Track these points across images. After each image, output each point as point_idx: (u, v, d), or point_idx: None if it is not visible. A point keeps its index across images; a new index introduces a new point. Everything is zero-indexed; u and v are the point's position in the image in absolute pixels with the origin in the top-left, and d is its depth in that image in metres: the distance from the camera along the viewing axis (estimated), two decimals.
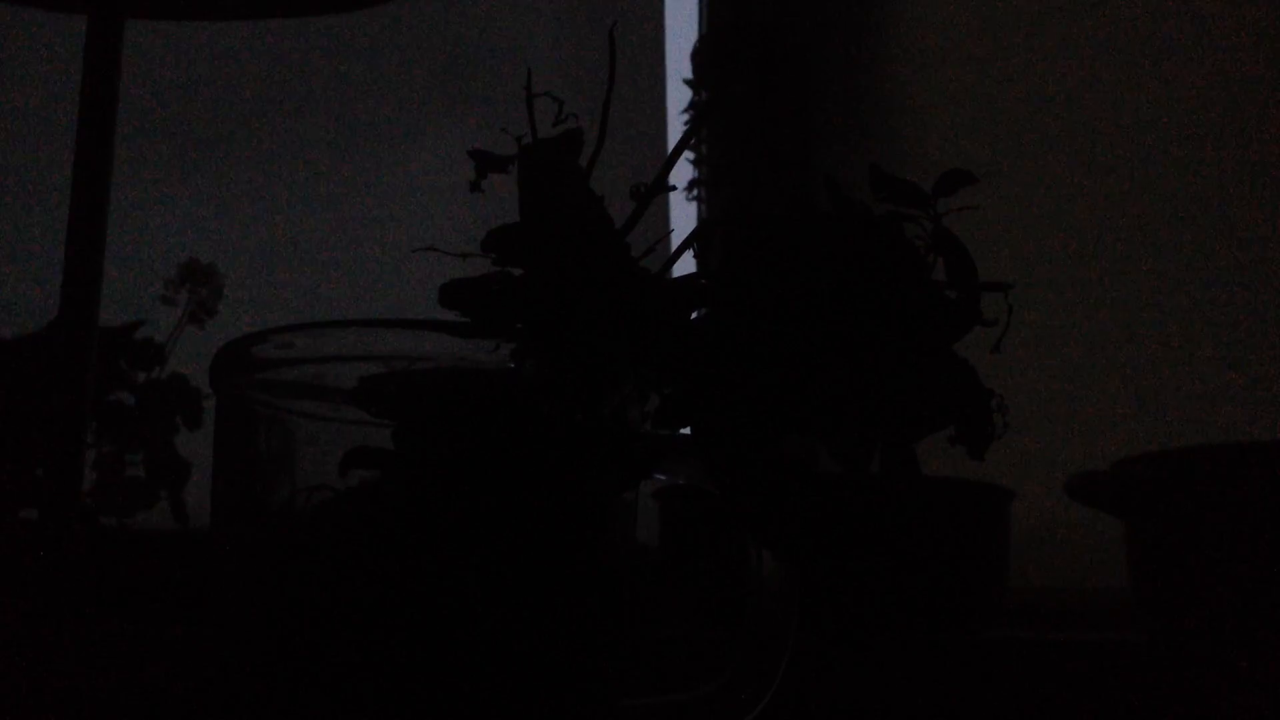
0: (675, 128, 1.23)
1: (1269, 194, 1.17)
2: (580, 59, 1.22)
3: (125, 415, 1.00)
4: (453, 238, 0.47)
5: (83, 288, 0.73)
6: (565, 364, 0.43)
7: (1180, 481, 0.80)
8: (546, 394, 0.44)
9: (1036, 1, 1.22)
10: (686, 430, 0.45)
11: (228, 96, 1.24)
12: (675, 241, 0.47)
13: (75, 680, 0.71)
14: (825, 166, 1.19)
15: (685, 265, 0.48)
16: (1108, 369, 1.15)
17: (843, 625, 0.78)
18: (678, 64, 1.24)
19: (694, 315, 0.45)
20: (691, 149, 1.20)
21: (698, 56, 1.23)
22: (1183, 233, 1.17)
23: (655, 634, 0.80)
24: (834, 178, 0.45)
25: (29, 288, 1.11)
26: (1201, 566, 0.78)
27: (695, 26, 1.25)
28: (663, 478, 0.49)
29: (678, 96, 1.24)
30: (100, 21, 0.76)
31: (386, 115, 1.25)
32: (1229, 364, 1.14)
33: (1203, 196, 1.17)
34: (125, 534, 0.97)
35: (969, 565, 0.82)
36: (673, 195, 1.17)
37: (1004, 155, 1.19)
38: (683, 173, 1.21)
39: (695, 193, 1.21)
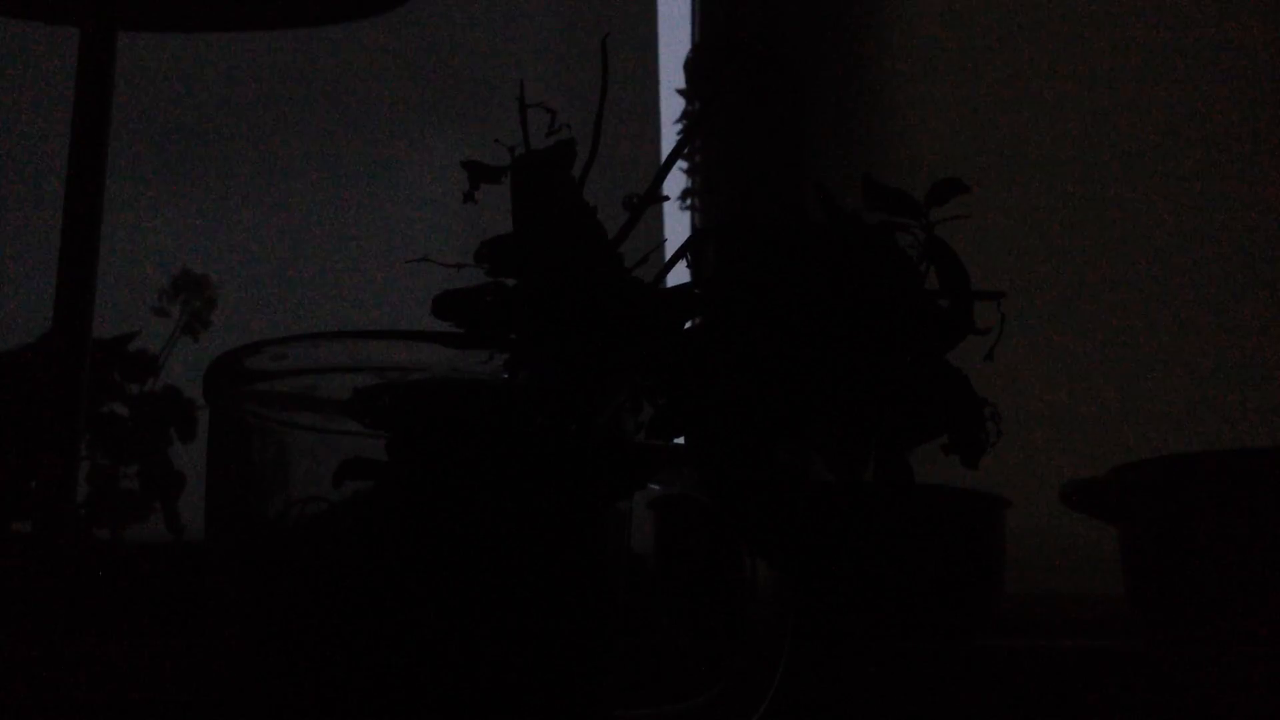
0: (668, 138, 1.24)
1: (1264, 200, 1.17)
2: (573, 70, 1.22)
3: (119, 427, 1.00)
4: (446, 248, 0.47)
5: (76, 299, 0.73)
6: (559, 374, 0.43)
7: (1175, 488, 0.81)
8: (540, 404, 0.44)
9: (1028, 11, 1.23)
10: (681, 440, 0.45)
11: (221, 108, 1.24)
12: (669, 251, 0.47)
13: (69, 692, 0.71)
14: (818, 176, 1.19)
15: (679, 275, 0.48)
16: (1101, 376, 1.15)
17: (838, 633, 0.78)
18: (670, 74, 1.25)
19: (688, 325, 0.45)
20: (684, 159, 1.20)
21: (690, 66, 1.24)
22: (1177, 240, 1.17)
23: (650, 643, 0.79)
24: (826, 187, 0.45)
25: (22, 300, 1.11)
26: (1197, 573, 0.78)
27: (688, 36, 1.25)
28: (657, 487, 0.49)
29: (670, 106, 1.25)
30: (93, 33, 0.76)
31: (380, 126, 1.25)
32: (1223, 371, 1.14)
33: (1196, 203, 1.18)
34: (119, 545, 0.97)
35: (963, 573, 0.82)
36: (666, 205, 1.18)
37: (996, 164, 1.19)
38: (676, 183, 1.21)
39: (688, 202, 1.21)
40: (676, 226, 1.21)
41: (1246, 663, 0.75)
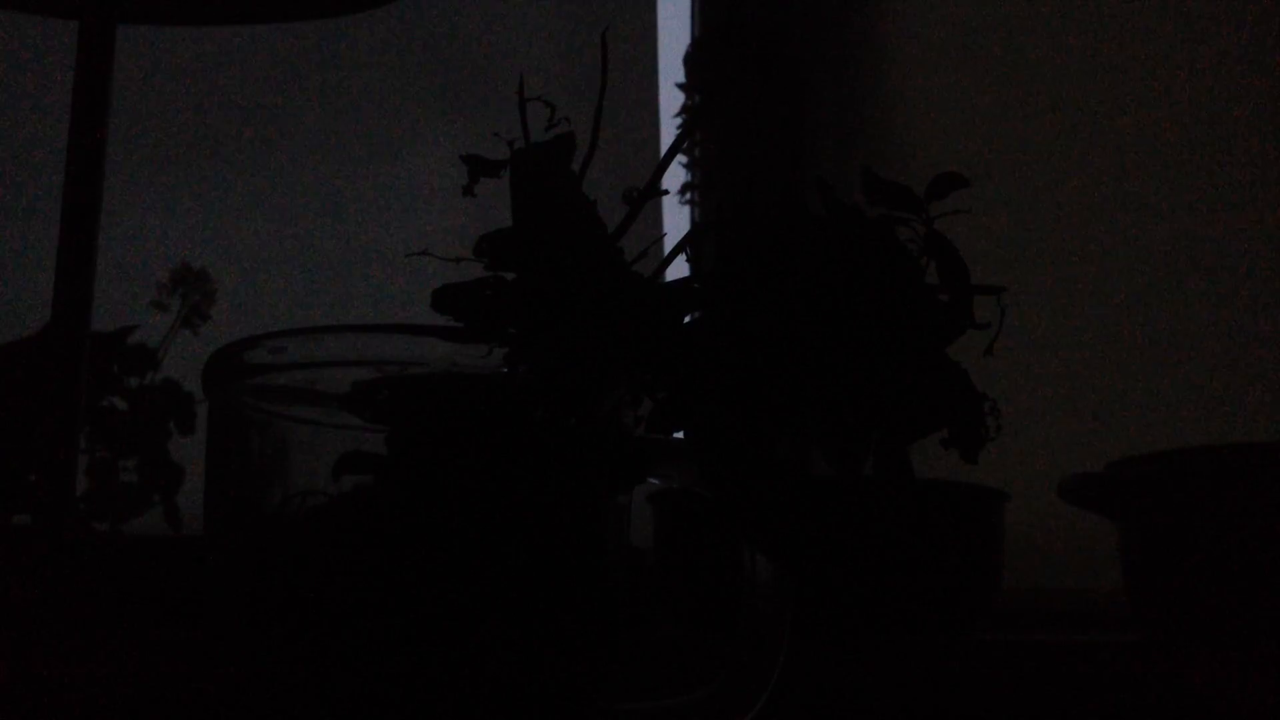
0: (668, 131, 1.23)
1: (1263, 195, 1.17)
2: (573, 63, 1.22)
3: (118, 420, 1.00)
4: (445, 242, 0.47)
5: (75, 293, 0.73)
6: (558, 368, 0.43)
7: (1172, 483, 0.81)
8: (540, 398, 0.44)
9: (1029, 5, 1.22)
10: (680, 434, 0.45)
11: (221, 101, 1.24)
12: (668, 245, 0.47)
13: (69, 685, 0.71)
14: (818, 170, 1.19)
15: (678, 269, 0.48)
16: (1100, 371, 1.15)
17: (837, 628, 0.78)
18: (670, 68, 1.25)
19: (687, 319, 0.45)
20: (684, 153, 1.20)
21: (690, 60, 1.23)
22: (1176, 235, 1.17)
23: (649, 637, 0.80)
24: (826, 181, 0.45)
25: (21, 293, 1.11)
26: (1193, 567, 0.79)
27: (688, 30, 1.25)
28: (657, 481, 0.49)
29: (670, 100, 1.24)
30: (92, 26, 0.75)
31: (379, 120, 1.25)
32: (1221, 366, 1.14)
33: (1196, 199, 1.18)
34: (119, 539, 0.97)
35: (962, 567, 0.82)
36: (666, 199, 1.18)
37: (996, 158, 1.19)
38: (675, 177, 1.21)
39: (688, 196, 1.21)
40: (676, 221, 1.21)
41: (1243, 656, 0.75)
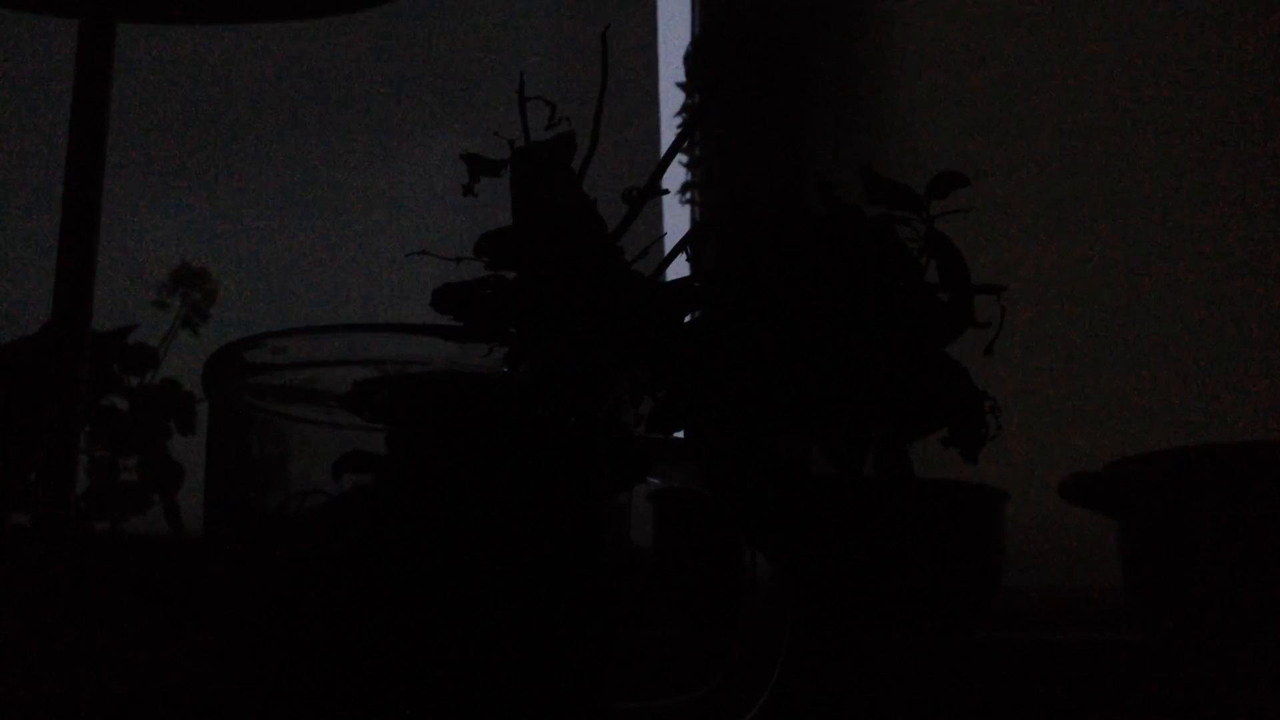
0: (668, 131, 1.23)
1: (1262, 195, 1.17)
2: (573, 62, 1.22)
3: (118, 420, 1.00)
4: (446, 241, 0.47)
5: (75, 292, 0.73)
6: (559, 367, 0.43)
7: (1173, 482, 0.81)
8: (540, 397, 0.44)
9: (1029, 4, 1.22)
10: (680, 433, 0.45)
11: (221, 100, 1.24)
12: (669, 244, 0.47)
13: (68, 685, 0.71)
14: (818, 169, 1.19)
15: (679, 268, 0.48)
16: (1100, 370, 1.15)
17: (837, 627, 0.78)
18: (670, 67, 1.25)
19: (688, 318, 0.45)
20: (684, 152, 1.20)
21: (690, 59, 1.23)
22: (1176, 234, 1.17)
23: (649, 636, 0.80)
24: (827, 180, 0.45)
25: (21, 292, 1.11)
26: (1194, 566, 0.79)
27: (688, 29, 1.25)
28: (657, 480, 0.49)
29: (670, 99, 1.24)
30: (92, 25, 0.75)
31: (379, 119, 1.25)
32: (1221, 365, 1.14)
33: (1195, 198, 1.18)
34: (119, 538, 0.97)
35: (962, 566, 0.82)
36: (666, 198, 1.18)
37: (997, 157, 1.19)
38: (676, 176, 1.21)
39: (688, 196, 1.21)
40: (676, 220, 1.21)
41: (1242, 655, 0.75)
